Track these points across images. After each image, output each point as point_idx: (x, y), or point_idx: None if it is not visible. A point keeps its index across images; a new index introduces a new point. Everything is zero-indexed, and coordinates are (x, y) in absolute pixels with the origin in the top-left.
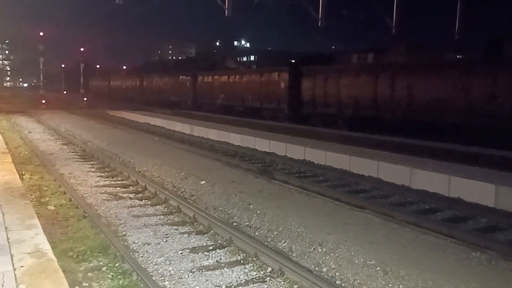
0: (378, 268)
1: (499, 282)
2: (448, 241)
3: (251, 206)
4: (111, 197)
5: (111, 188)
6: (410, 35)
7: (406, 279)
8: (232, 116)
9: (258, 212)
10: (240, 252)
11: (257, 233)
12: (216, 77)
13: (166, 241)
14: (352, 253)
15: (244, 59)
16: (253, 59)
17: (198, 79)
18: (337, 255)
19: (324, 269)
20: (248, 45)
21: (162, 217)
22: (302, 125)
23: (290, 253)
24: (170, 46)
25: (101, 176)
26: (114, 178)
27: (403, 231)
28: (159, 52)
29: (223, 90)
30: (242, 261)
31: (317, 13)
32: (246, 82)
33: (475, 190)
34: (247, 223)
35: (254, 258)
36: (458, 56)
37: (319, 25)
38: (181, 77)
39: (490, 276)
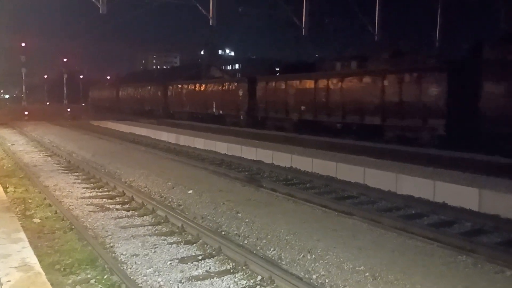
0: (367, 274)
1: (485, 285)
2: (435, 245)
3: (240, 215)
4: (98, 208)
5: (98, 200)
6: (392, 42)
7: (395, 284)
8: (199, 122)
9: (247, 220)
10: (229, 261)
11: (246, 242)
12: (184, 86)
13: (155, 251)
14: (341, 259)
15: (229, 67)
16: (238, 67)
17: (168, 89)
18: (326, 261)
19: (314, 276)
20: (232, 53)
21: (150, 227)
22: (259, 129)
23: (279, 261)
24: (155, 56)
25: (87, 188)
26: (100, 189)
27: (391, 236)
28: (143, 61)
29: (190, 99)
30: (231, 270)
31: (300, 21)
32: (210, 92)
33: (459, 194)
34: (235, 232)
35: (243, 267)
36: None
37: (303, 33)
38: (153, 87)
39: (476, 279)
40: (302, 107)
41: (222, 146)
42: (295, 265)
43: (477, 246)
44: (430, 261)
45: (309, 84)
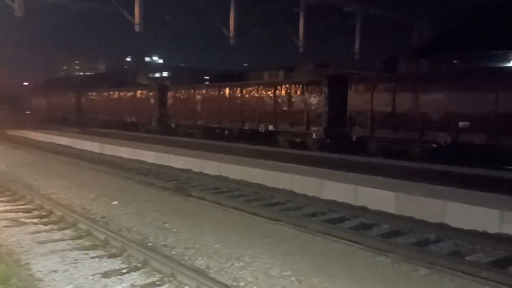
0: (293, 279)
1: (402, 283)
2: (356, 247)
3: (167, 225)
4: (13, 223)
5: (13, 214)
6: (316, 55)
7: (319, 287)
8: (113, 129)
9: (174, 230)
10: (156, 273)
11: (173, 252)
12: (97, 94)
13: (76, 267)
14: (269, 265)
15: (157, 75)
16: (166, 75)
17: (82, 96)
18: (254, 268)
19: (241, 283)
20: (161, 61)
21: (70, 241)
22: (170, 136)
23: (207, 270)
24: (77, 62)
25: (1, 201)
26: (16, 203)
27: (316, 240)
28: (65, 68)
29: (104, 106)
30: (158, 282)
31: (228, 30)
32: (123, 99)
33: (378, 198)
34: (162, 243)
35: (170, 278)
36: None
37: (231, 42)
38: (66, 94)
39: (394, 278)
40: (208, 115)
41: (149, 155)
42: (223, 273)
43: (394, 247)
44: (352, 263)
45: (213, 92)
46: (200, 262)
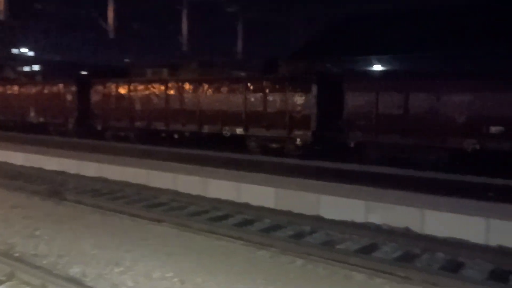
0: (176, 279)
1: (280, 275)
2: (238, 243)
3: (38, 232)
4: None
5: None
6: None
7: (202, 286)
8: (15, 132)
9: (46, 238)
10: (24, 285)
11: (45, 262)
12: None
13: None
14: (150, 268)
15: (27, 69)
16: (38, 69)
17: None
18: (134, 272)
19: None
20: (32, 53)
21: None
22: (95, 140)
23: (83, 278)
24: None
25: None
26: None
27: (199, 239)
28: None
29: None
30: None
31: (107, 24)
32: (26, 95)
33: (259, 194)
34: (33, 252)
35: None
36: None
37: (110, 37)
38: None
39: (273, 271)
40: (151, 115)
41: (17, 156)
42: (101, 280)
43: (273, 240)
44: (234, 259)
45: (160, 88)
46: (75, 270)
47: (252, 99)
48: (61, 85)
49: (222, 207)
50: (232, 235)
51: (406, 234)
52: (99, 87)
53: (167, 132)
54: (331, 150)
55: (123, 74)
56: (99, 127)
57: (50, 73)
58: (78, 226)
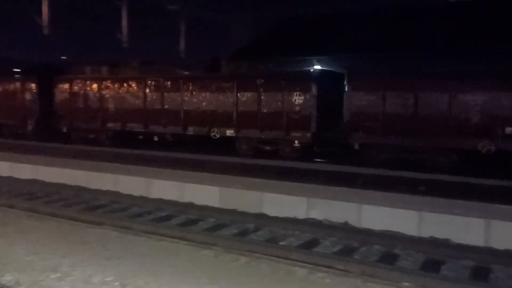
0: (117, 283)
1: (224, 273)
2: (182, 243)
3: None
4: None
5: None
6: (142, 51)
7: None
8: None
9: None
10: None
11: None
12: None
13: None
14: (89, 273)
15: None
16: None
17: None
18: (72, 278)
19: None
20: None
21: None
22: (56, 143)
23: (17, 286)
24: None
25: None
26: None
27: (141, 241)
28: None
29: None
30: None
31: (41, 19)
32: None
33: (203, 193)
34: None
35: None
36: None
37: (44, 32)
38: None
39: (217, 270)
40: (126, 115)
41: None
42: (36, 287)
43: (217, 239)
44: (177, 260)
45: (138, 86)
46: (8, 279)
47: (244, 98)
48: (17, 82)
49: (166, 207)
50: (175, 236)
51: (345, 229)
52: (63, 85)
53: (145, 134)
54: (333, 152)
55: (62, 72)
56: (63, 129)
57: None
58: (11, 232)
